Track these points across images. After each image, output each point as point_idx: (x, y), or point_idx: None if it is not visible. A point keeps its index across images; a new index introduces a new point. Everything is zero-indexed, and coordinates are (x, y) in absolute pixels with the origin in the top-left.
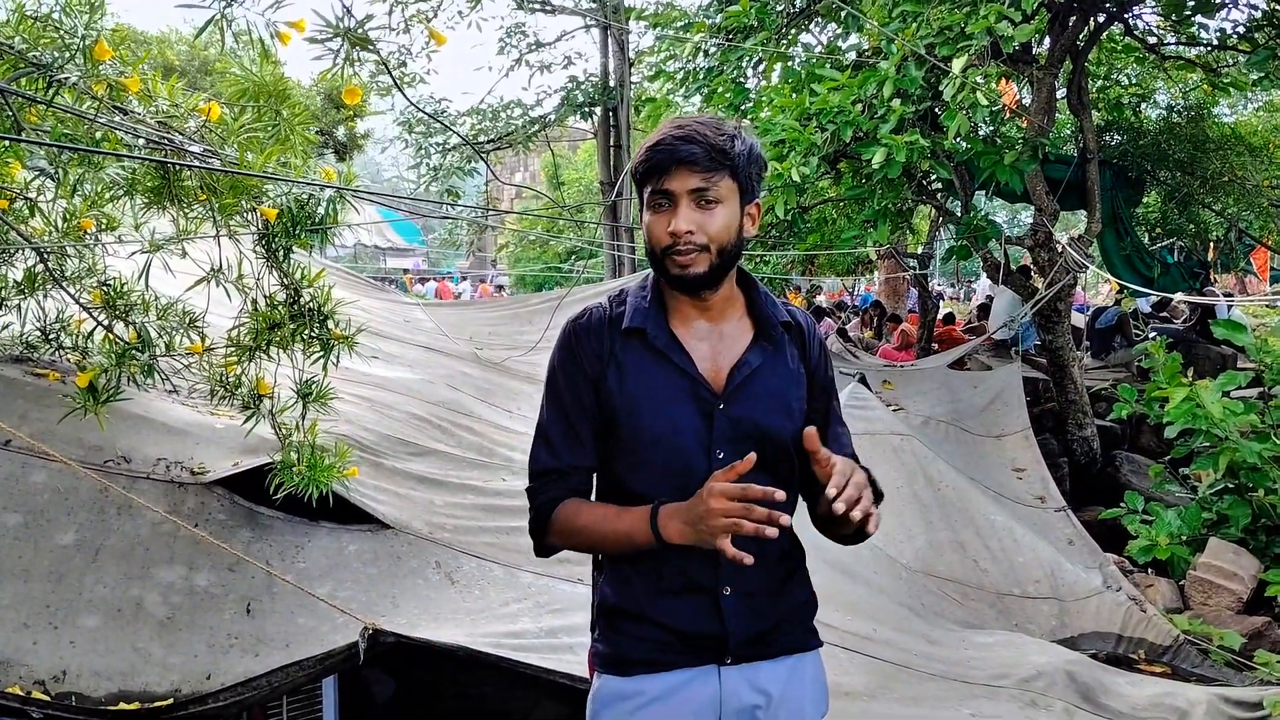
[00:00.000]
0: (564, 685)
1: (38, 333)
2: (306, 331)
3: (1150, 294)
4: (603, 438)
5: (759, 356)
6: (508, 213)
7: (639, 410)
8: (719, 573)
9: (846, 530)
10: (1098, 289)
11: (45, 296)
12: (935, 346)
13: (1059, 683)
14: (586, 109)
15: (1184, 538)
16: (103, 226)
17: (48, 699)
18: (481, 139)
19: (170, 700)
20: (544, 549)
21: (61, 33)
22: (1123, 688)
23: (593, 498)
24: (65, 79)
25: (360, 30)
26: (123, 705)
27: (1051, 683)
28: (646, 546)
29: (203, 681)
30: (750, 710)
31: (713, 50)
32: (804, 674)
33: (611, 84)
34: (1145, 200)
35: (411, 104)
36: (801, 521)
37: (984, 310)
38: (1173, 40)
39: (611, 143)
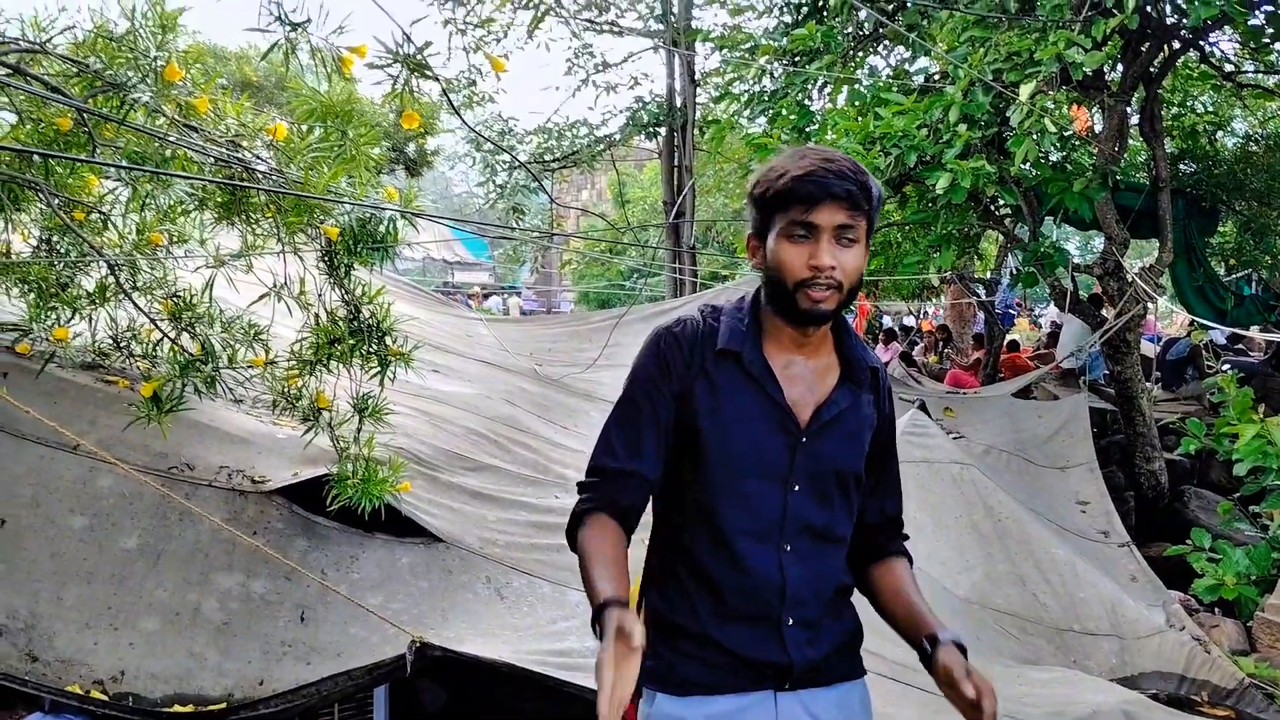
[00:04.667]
0: None
1: (109, 341)
2: (365, 347)
3: (1221, 329)
4: (681, 451)
5: (847, 398)
6: (568, 235)
7: (726, 432)
8: (783, 602)
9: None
10: (1172, 319)
11: (117, 306)
12: (1002, 375)
13: None
14: (651, 129)
15: (1253, 578)
16: (173, 240)
17: (106, 698)
18: (547, 158)
19: (224, 704)
20: (573, 544)
21: (135, 54)
22: None
23: (648, 506)
24: (138, 98)
25: (419, 56)
26: (178, 707)
27: None
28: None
29: (255, 687)
30: None
31: (778, 73)
32: (853, 701)
33: (677, 105)
34: (1220, 230)
35: (471, 130)
36: None
37: (1053, 337)
38: (1250, 68)
39: (675, 163)
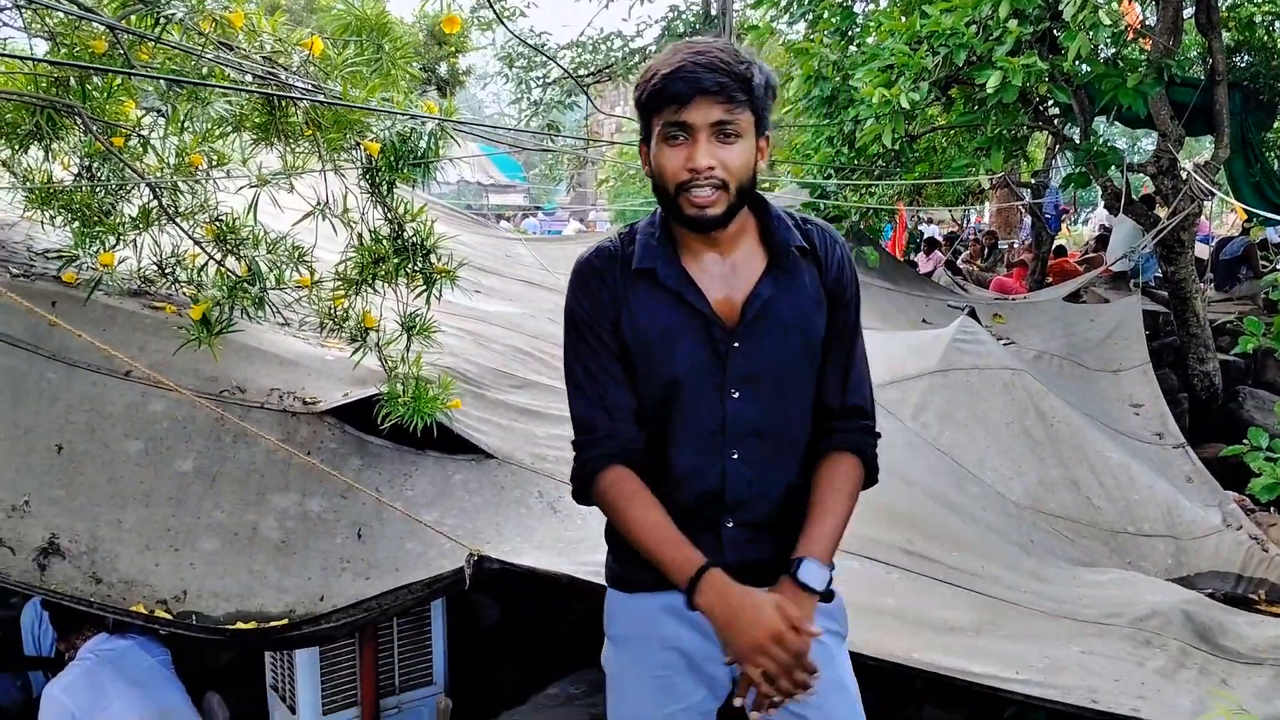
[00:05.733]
0: None
1: (154, 267)
2: (410, 266)
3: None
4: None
5: (771, 287)
6: (605, 143)
7: (651, 353)
8: (722, 506)
9: None
10: (1222, 219)
11: (161, 231)
12: (1049, 280)
13: (1174, 622)
14: (688, 39)
15: None
16: (213, 163)
17: (170, 617)
18: (581, 72)
19: (285, 620)
20: (584, 501)
21: None
22: (1242, 628)
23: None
24: (172, 15)
25: None
26: (240, 624)
27: (1166, 622)
28: (673, 580)
29: (316, 603)
30: None
31: None
32: None
33: (713, 12)
34: (1277, 125)
35: (513, 34)
36: None
37: (1101, 241)
38: None
39: None
